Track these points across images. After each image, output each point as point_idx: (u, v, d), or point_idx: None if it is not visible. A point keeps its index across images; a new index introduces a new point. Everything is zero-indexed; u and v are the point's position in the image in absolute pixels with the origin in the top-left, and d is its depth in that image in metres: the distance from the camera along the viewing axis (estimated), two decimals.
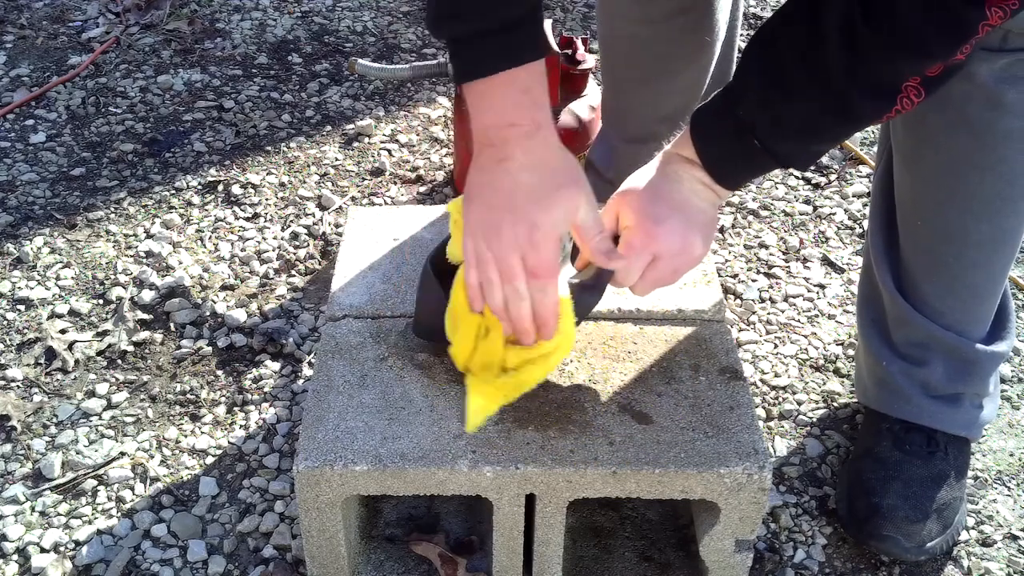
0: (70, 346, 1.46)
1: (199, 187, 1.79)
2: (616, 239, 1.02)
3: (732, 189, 1.00)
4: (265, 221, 1.72)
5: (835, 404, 1.41)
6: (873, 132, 1.98)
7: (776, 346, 1.50)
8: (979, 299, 1.20)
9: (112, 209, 1.73)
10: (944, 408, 1.24)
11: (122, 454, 1.31)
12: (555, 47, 1.60)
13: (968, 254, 1.16)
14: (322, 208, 1.75)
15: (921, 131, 1.13)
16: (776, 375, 1.46)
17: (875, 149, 1.93)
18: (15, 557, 1.19)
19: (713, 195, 0.99)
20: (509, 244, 0.92)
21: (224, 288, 1.58)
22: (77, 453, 1.31)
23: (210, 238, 1.68)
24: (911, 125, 1.14)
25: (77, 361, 1.44)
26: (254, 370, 1.44)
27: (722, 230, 1.72)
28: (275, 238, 1.68)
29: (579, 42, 1.65)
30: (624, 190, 1.02)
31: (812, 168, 1.87)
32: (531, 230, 0.92)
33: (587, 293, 1.04)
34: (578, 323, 1.03)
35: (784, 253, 1.69)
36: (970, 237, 1.15)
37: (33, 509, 1.25)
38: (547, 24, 1.66)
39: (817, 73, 0.86)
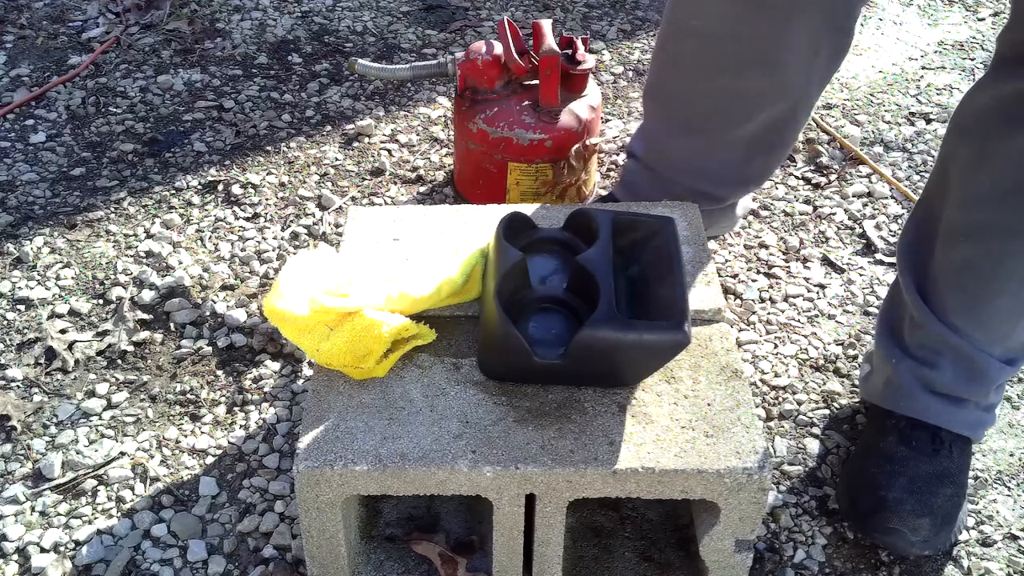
0: (70, 346, 1.46)
1: (199, 187, 1.79)
2: None
3: None
4: (265, 221, 1.72)
5: (835, 404, 1.41)
6: (873, 132, 1.98)
7: (776, 346, 1.50)
8: (1000, 322, 1.20)
9: (112, 209, 1.73)
10: (950, 407, 1.24)
11: (122, 454, 1.31)
12: (555, 47, 1.60)
13: (1000, 282, 1.16)
14: (322, 208, 1.75)
15: (985, 155, 1.13)
16: (776, 375, 1.46)
17: (875, 149, 1.93)
18: (15, 557, 1.19)
19: None
20: None
21: (224, 288, 1.58)
22: (77, 453, 1.31)
23: (210, 238, 1.68)
24: (974, 147, 1.14)
25: (77, 361, 1.44)
26: (254, 370, 1.44)
27: None
28: (275, 238, 1.68)
29: (579, 42, 1.65)
30: None
31: (812, 168, 1.87)
32: None
33: None
34: None
35: (784, 253, 1.69)
36: (1007, 266, 1.15)
37: (33, 509, 1.25)
38: (547, 24, 1.66)
39: None
